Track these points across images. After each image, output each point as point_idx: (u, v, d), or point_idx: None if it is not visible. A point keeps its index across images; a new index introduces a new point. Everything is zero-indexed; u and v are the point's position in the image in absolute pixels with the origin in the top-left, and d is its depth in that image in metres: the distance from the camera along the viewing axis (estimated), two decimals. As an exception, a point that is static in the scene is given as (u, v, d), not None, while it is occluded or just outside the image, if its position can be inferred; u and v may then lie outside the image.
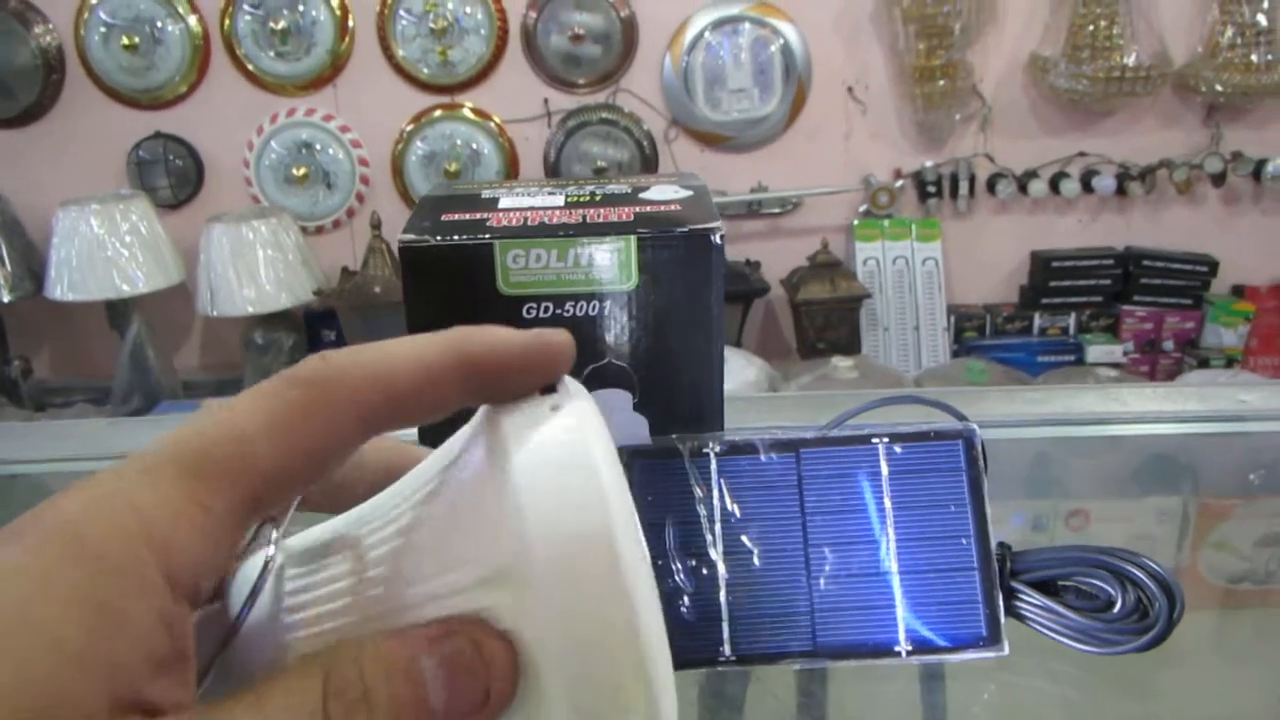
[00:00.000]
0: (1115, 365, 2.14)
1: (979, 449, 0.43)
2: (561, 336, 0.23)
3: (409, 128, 2.18)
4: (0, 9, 2.08)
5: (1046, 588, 0.42)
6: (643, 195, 0.45)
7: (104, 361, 2.14)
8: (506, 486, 0.21)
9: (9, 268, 2.06)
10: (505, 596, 0.20)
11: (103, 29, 2.10)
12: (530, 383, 0.23)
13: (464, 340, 0.22)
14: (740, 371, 1.78)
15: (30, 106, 2.14)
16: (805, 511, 0.42)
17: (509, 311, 0.42)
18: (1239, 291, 2.25)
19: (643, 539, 0.22)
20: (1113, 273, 2.23)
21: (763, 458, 0.43)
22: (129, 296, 1.98)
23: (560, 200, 0.44)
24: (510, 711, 0.21)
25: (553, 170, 2.19)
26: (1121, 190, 2.18)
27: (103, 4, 2.09)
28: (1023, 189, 2.19)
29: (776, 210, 2.23)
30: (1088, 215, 2.25)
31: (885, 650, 0.41)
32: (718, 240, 0.42)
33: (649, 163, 2.17)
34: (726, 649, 0.41)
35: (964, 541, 0.42)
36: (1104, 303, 2.25)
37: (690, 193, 0.45)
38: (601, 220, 0.42)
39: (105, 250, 1.93)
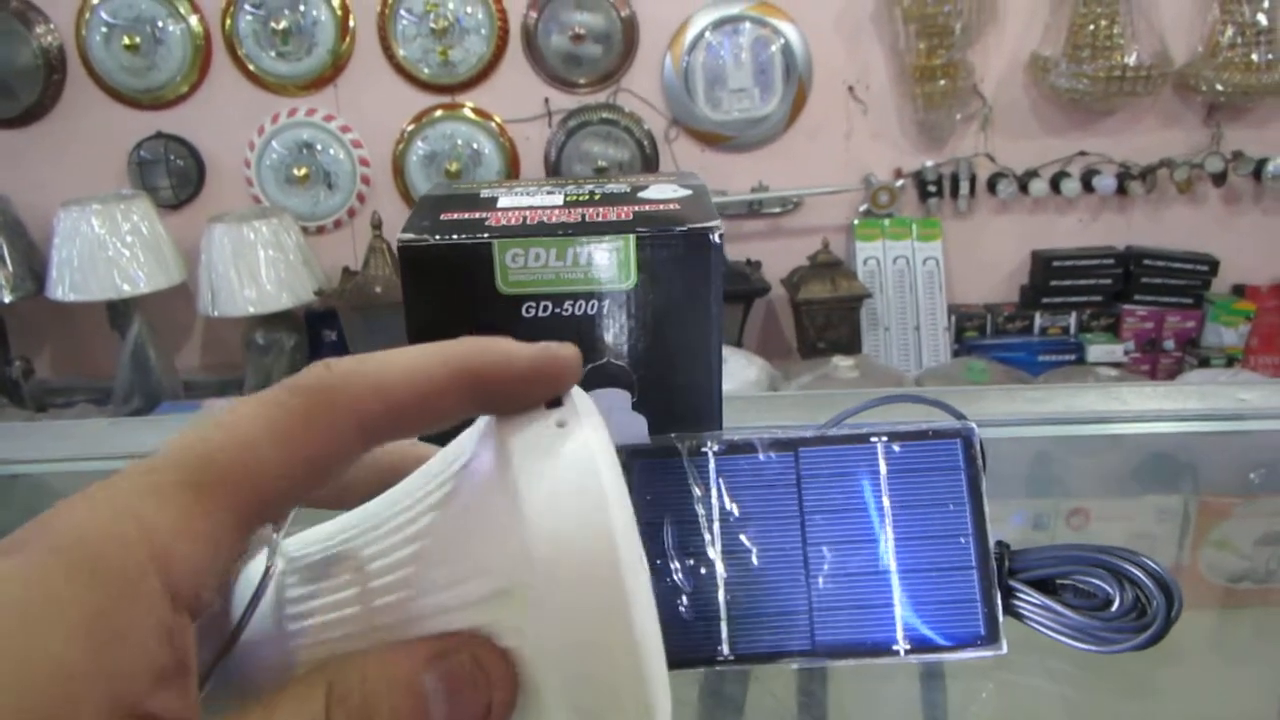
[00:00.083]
0: (1116, 365, 2.13)
1: (977, 448, 0.43)
2: (568, 350, 0.23)
3: (410, 128, 2.18)
4: (1, 9, 2.08)
5: (1045, 586, 0.42)
6: (642, 194, 0.45)
7: (105, 362, 2.15)
8: (515, 506, 0.21)
9: (10, 268, 2.07)
10: (512, 614, 0.21)
11: (104, 29, 2.10)
12: (536, 396, 0.23)
13: (470, 352, 0.22)
14: (741, 371, 1.78)
15: (31, 106, 2.14)
16: (804, 510, 0.42)
17: (508, 310, 0.42)
18: (1239, 291, 2.25)
19: (643, 554, 0.23)
20: (1113, 272, 2.23)
21: (761, 457, 0.43)
22: (130, 297, 1.98)
23: (559, 199, 0.44)
24: None
25: (554, 170, 2.18)
26: (1122, 190, 2.18)
27: (104, 4, 2.09)
28: (1023, 188, 2.19)
29: (777, 210, 2.23)
30: (1088, 215, 2.25)
31: (884, 649, 0.41)
32: (716, 239, 0.42)
33: (649, 162, 2.17)
34: (725, 648, 0.41)
35: (962, 540, 0.42)
36: (1104, 302, 2.24)
37: (689, 192, 0.45)
38: (600, 219, 0.42)
39: (106, 250, 1.93)
